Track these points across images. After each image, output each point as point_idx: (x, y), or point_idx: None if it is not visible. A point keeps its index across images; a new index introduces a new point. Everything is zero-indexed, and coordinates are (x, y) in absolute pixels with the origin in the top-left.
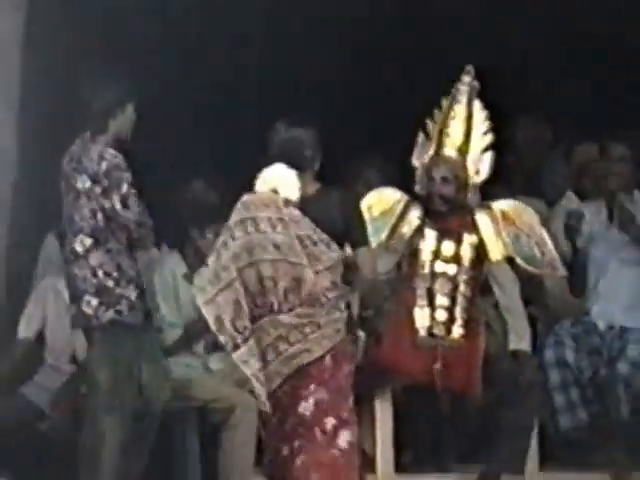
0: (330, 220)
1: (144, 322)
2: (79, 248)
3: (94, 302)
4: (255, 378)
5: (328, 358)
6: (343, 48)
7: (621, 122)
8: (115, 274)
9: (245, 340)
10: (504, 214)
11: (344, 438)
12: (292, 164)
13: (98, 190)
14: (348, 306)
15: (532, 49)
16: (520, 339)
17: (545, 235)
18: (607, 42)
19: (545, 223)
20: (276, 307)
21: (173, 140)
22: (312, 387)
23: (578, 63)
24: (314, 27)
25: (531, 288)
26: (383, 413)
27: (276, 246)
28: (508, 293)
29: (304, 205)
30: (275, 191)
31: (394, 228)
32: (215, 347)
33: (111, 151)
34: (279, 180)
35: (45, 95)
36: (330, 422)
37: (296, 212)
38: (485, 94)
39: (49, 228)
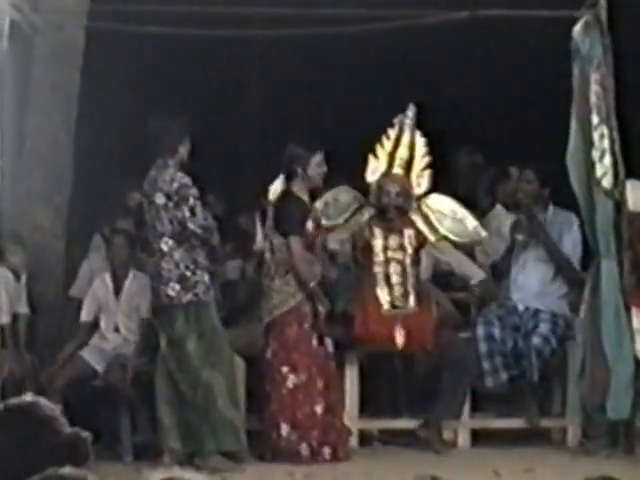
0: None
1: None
2: (165, 248)
3: (177, 287)
4: None
5: (279, 317)
6: (333, 100)
7: (533, 152)
8: (192, 266)
9: None
10: (428, 205)
11: (291, 381)
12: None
13: (171, 204)
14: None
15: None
16: (475, 277)
17: (464, 211)
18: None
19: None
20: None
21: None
22: (270, 338)
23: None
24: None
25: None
26: (351, 373)
27: None
28: (452, 254)
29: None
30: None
31: (354, 213)
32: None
33: (180, 174)
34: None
35: (95, 124)
36: (284, 368)
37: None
38: (426, 126)
39: (96, 229)
